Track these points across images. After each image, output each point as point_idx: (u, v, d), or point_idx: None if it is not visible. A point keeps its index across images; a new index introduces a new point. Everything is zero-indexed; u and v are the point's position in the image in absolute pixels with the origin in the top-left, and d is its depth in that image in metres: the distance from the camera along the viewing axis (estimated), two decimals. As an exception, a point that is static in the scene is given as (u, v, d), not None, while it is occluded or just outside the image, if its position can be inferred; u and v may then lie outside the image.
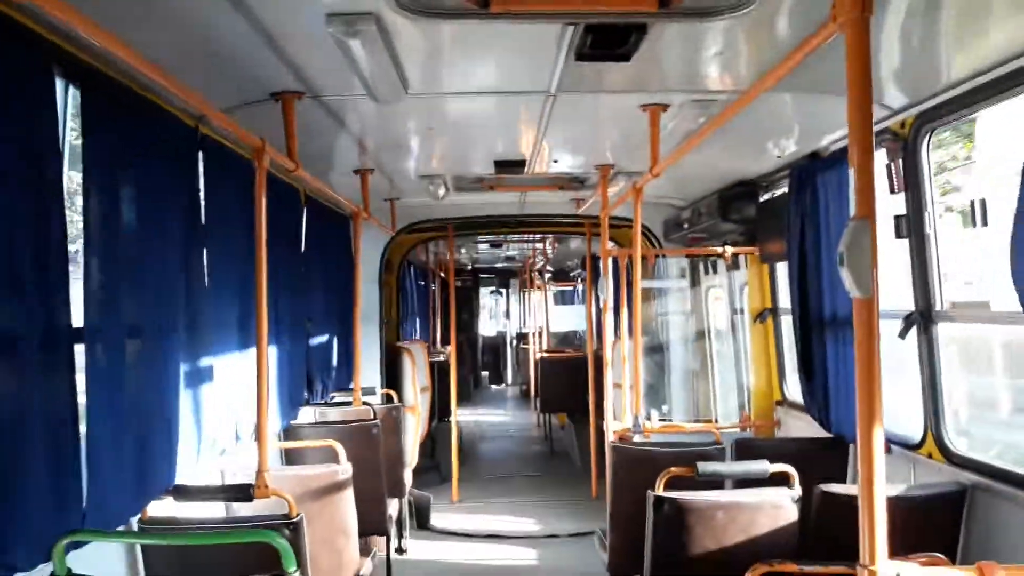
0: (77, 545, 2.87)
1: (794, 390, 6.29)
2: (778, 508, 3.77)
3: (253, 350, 4.09)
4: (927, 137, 4.00)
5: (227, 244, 4.32)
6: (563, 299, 21.62)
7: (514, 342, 22.84)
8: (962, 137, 4.94)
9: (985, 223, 3.84)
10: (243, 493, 3.72)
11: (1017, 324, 3.11)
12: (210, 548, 3.39)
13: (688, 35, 3.26)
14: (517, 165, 6.02)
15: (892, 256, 4.12)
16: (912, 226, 4.12)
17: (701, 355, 8.24)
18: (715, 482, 4.01)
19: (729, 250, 6.78)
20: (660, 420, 7.07)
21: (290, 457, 5.54)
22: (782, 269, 6.25)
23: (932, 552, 2.62)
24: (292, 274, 5.77)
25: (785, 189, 5.56)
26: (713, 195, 6.58)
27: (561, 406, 12.82)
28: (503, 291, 23.92)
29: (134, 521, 3.49)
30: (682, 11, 2.93)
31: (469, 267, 20.65)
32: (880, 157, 4.14)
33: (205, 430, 4.11)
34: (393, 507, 6.42)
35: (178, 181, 3.77)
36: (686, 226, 7.36)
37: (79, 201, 3.02)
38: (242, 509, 4.02)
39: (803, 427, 5.83)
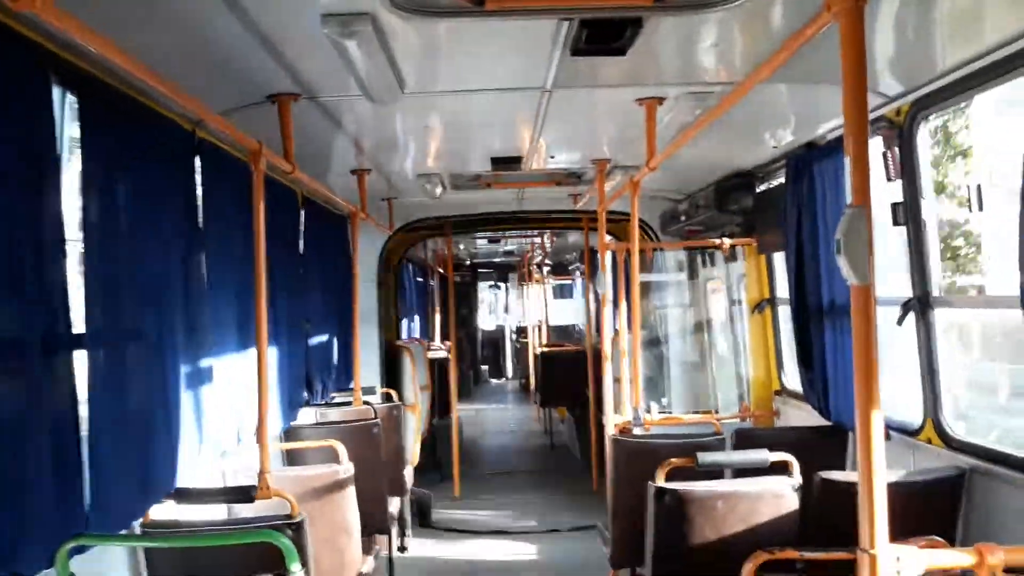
0: (80, 550, 2.88)
1: (793, 379, 6.30)
2: (778, 497, 3.78)
3: (253, 351, 4.09)
4: (922, 124, 4.01)
5: (225, 246, 4.32)
6: (562, 293, 21.62)
7: (513, 336, 22.86)
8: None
9: (980, 208, 3.86)
10: (245, 494, 3.71)
11: (1014, 308, 3.11)
12: (213, 550, 3.40)
13: (683, 28, 3.26)
14: (514, 162, 6.03)
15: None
16: (908, 213, 4.13)
17: (700, 347, 8.26)
18: (715, 472, 4.03)
19: (727, 242, 6.79)
20: (660, 412, 7.09)
21: (291, 458, 5.55)
22: (780, 259, 6.26)
23: (931, 536, 2.64)
24: (290, 275, 5.77)
25: (782, 179, 5.57)
26: (710, 187, 6.58)
27: (561, 400, 12.85)
28: (502, 285, 23.93)
29: (136, 525, 3.49)
30: (677, 4, 2.94)
31: (468, 262, 20.65)
32: (876, 145, 4.16)
33: (206, 432, 4.11)
34: (395, 505, 6.43)
35: (176, 185, 3.78)
36: (683, 219, 7.36)
37: (78, 205, 3.02)
38: (244, 511, 4.02)
39: (802, 416, 5.84)
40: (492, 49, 3.54)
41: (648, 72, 3.89)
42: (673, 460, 3.94)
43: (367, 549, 5.20)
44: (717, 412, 7.64)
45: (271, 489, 3.79)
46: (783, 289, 6.36)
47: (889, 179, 4.16)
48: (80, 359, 2.92)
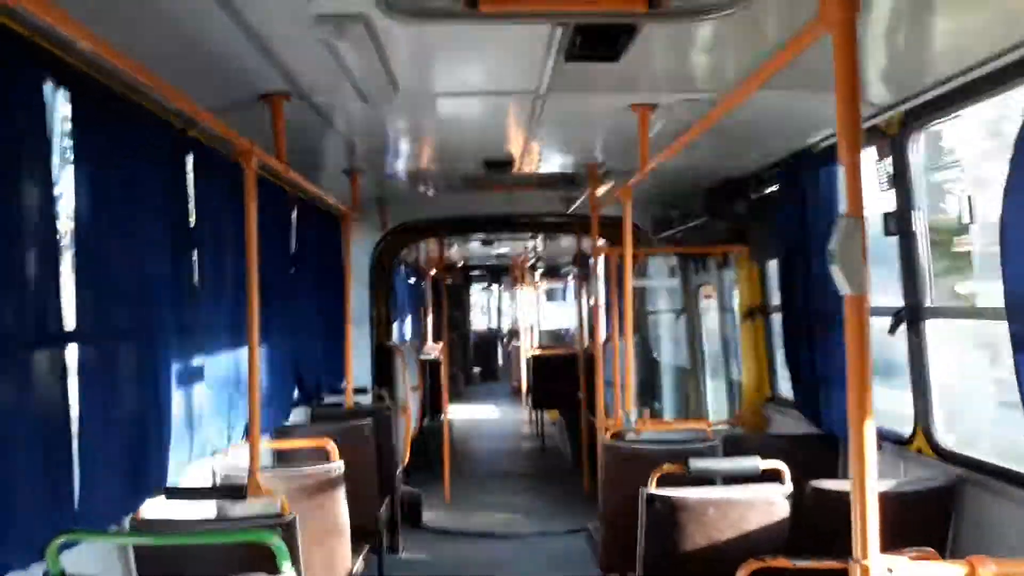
0: (70, 545, 2.87)
1: (784, 387, 6.31)
2: (769, 504, 3.79)
3: (244, 350, 4.09)
4: (915, 134, 4.03)
5: (217, 246, 4.32)
6: (553, 296, 21.63)
7: (505, 339, 22.85)
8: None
9: (972, 219, 3.87)
10: (235, 493, 3.71)
11: (1002, 320, 3.11)
12: (203, 548, 3.38)
13: (677, 35, 3.27)
14: (507, 165, 6.03)
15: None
16: (901, 223, 4.14)
17: (692, 353, 8.26)
18: (706, 479, 4.03)
19: (719, 248, 6.79)
20: (651, 418, 7.09)
21: (282, 457, 5.54)
22: (772, 267, 6.27)
23: (923, 546, 2.64)
24: (282, 275, 5.77)
25: (775, 187, 5.58)
26: (702, 193, 6.59)
27: (552, 403, 12.85)
28: (494, 288, 23.92)
29: (127, 521, 3.49)
30: (671, 11, 2.94)
31: (460, 264, 20.65)
32: (869, 155, 4.17)
33: (197, 430, 4.11)
34: (385, 506, 6.42)
35: (167, 184, 3.77)
36: (676, 224, 7.37)
37: (70, 204, 3.02)
38: (234, 509, 4.01)
39: (793, 424, 5.85)
40: (486, 52, 3.55)
41: (641, 79, 3.90)
42: (665, 466, 3.95)
43: (357, 549, 5.19)
44: (708, 418, 7.65)
45: (262, 488, 3.78)
46: (775, 296, 6.37)
47: (882, 189, 4.17)
48: (71, 356, 2.92)
